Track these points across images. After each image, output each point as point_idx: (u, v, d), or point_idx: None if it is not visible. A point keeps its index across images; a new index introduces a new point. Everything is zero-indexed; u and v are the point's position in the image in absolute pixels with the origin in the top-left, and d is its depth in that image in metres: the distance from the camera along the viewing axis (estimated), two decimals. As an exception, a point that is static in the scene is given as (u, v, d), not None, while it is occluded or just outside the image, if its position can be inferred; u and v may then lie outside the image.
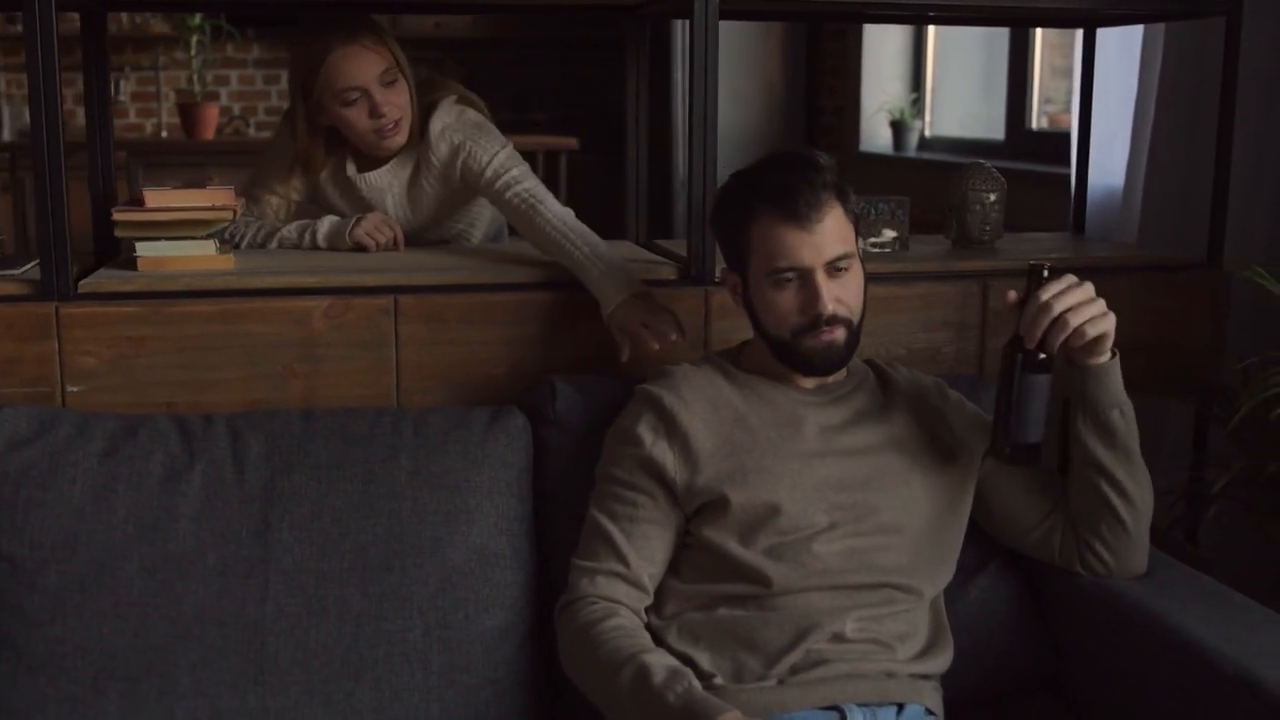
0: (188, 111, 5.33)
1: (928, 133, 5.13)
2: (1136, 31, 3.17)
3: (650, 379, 1.84)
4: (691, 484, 1.72)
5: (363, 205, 2.42)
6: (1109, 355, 1.72)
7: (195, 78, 5.34)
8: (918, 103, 5.13)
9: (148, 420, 1.87)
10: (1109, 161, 3.24)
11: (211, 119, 5.30)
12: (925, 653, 1.74)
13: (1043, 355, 1.67)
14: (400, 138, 2.33)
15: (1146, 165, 3.17)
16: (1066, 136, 3.77)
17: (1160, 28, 3.09)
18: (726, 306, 2.12)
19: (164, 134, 5.87)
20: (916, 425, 1.82)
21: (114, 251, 2.30)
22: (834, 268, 1.72)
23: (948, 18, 3.30)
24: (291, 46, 2.35)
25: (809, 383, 1.81)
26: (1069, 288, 1.66)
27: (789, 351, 1.76)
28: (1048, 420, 1.69)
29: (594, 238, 2.13)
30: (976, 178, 2.43)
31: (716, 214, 1.84)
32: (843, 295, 1.73)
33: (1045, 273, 1.67)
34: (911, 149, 5.05)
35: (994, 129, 4.81)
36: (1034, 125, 4.38)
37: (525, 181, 2.26)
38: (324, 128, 2.35)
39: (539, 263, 2.21)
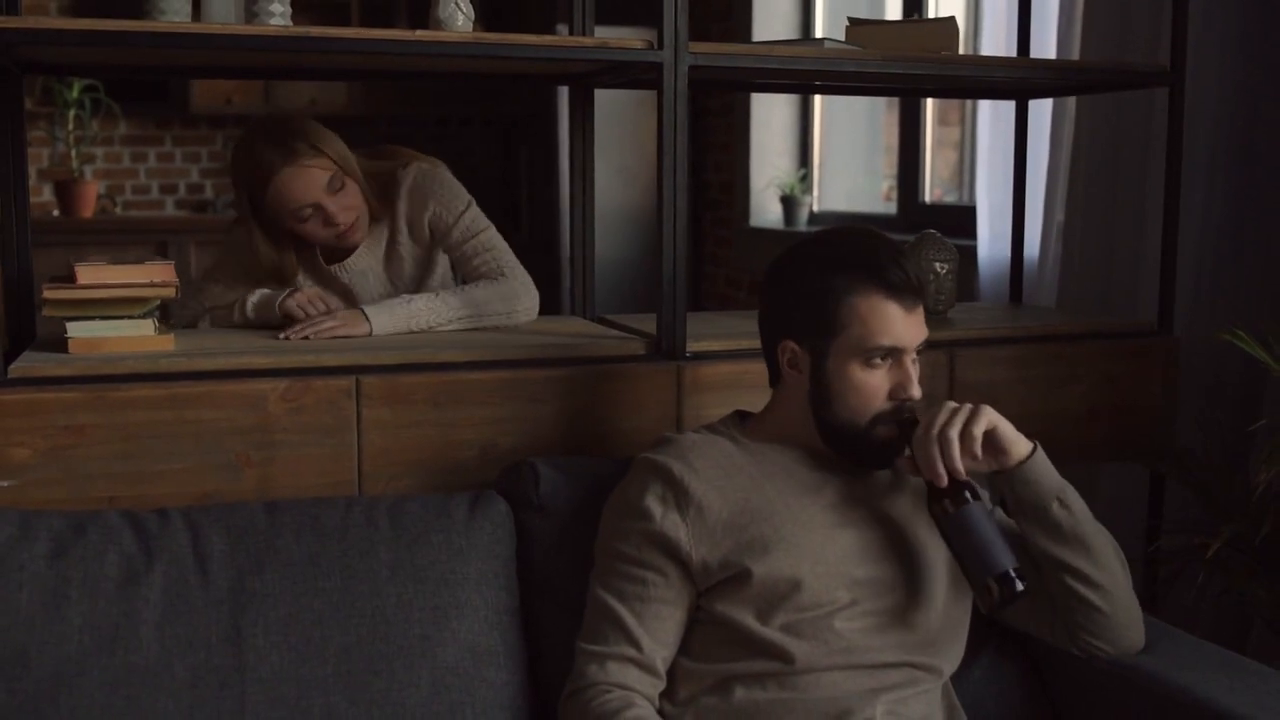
0: (65, 189, 5.11)
1: (816, 207, 5.16)
2: (1045, 104, 3.23)
3: (652, 448, 1.74)
4: (709, 559, 1.62)
5: (344, 295, 2.33)
6: (1026, 452, 1.65)
7: (74, 154, 5.09)
8: (806, 178, 5.16)
9: (97, 517, 1.71)
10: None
11: (91, 197, 5.07)
12: (944, 736, 1.67)
13: (959, 488, 1.60)
14: (360, 234, 2.30)
15: (1062, 235, 3.22)
16: (961, 210, 3.81)
17: (1070, 100, 3.16)
18: (700, 382, 2.05)
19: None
20: (922, 496, 1.76)
21: (29, 334, 2.13)
22: (912, 356, 1.68)
23: (896, 89, 3.32)
24: (234, 160, 2.29)
25: (824, 453, 1.73)
26: (935, 414, 1.62)
27: (859, 438, 1.67)
28: (1007, 539, 1.62)
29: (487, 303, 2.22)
30: (930, 248, 2.42)
31: (800, 278, 1.71)
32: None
33: (911, 417, 1.65)
34: (802, 223, 5.07)
35: (876, 203, 4.86)
36: (927, 199, 4.43)
37: (494, 249, 2.28)
38: (286, 231, 2.28)
39: (510, 339, 2.11)
